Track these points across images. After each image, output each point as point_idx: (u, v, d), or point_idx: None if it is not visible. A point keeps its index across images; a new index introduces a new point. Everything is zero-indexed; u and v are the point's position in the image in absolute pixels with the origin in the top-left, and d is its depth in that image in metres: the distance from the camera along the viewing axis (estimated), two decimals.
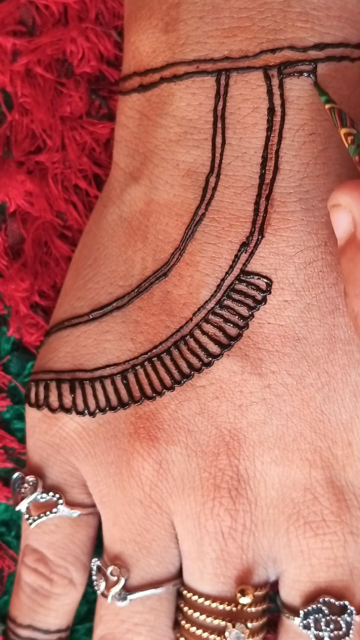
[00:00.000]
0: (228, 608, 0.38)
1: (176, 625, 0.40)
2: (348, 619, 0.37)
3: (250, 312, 0.37)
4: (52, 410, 0.40)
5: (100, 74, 0.45)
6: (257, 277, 0.36)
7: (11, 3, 0.45)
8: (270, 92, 0.36)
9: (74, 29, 0.44)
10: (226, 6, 0.36)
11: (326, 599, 0.37)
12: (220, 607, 0.38)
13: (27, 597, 0.41)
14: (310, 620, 0.37)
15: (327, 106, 0.35)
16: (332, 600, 0.37)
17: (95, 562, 0.41)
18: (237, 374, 0.37)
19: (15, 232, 0.45)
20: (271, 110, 0.36)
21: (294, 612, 0.38)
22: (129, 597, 0.39)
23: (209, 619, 0.38)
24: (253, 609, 0.38)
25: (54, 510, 0.40)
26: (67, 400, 0.39)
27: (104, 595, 0.40)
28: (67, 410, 0.39)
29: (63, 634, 0.42)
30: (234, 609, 0.38)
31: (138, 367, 0.38)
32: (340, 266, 0.34)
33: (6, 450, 0.45)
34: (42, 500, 0.40)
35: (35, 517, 0.40)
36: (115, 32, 0.45)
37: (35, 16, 0.45)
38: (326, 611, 0.37)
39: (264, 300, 0.36)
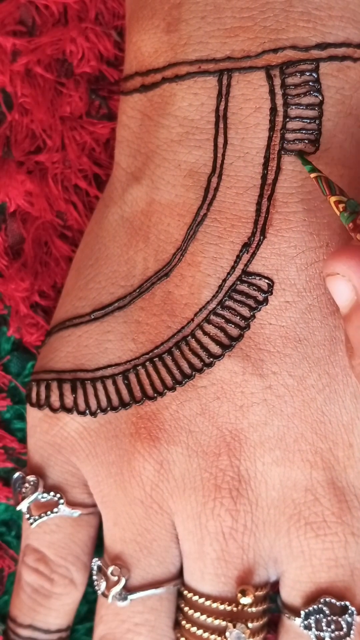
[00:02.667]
0: (229, 608, 0.38)
1: (177, 625, 0.40)
2: (349, 619, 0.37)
3: (251, 313, 0.37)
4: (54, 410, 0.40)
5: (100, 74, 0.45)
6: (258, 277, 0.36)
7: (11, 3, 0.45)
8: (272, 92, 0.36)
9: (73, 29, 0.44)
10: (228, 6, 0.36)
11: (327, 599, 0.37)
12: (221, 607, 0.38)
13: (28, 597, 0.41)
14: (311, 620, 0.37)
15: (312, 175, 0.35)
16: (333, 600, 0.37)
17: (96, 562, 0.41)
18: (238, 375, 0.37)
19: (15, 232, 0.45)
20: (273, 110, 0.36)
21: (295, 612, 0.38)
22: (130, 597, 0.39)
23: (209, 619, 0.38)
24: (254, 609, 0.38)
25: (55, 510, 0.40)
26: (69, 400, 0.39)
27: (105, 595, 0.40)
28: (69, 410, 0.39)
29: (63, 633, 0.42)
30: (235, 609, 0.38)
31: (139, 367, 0.38)
32: (347, 334, 0.34)
33: (6, 450, 0.45)
34: (43, 500, 0.40)
35: (36, 517, 0.40)
36: (115, 32, 0.44)
37: (35, 16, 0.45)
38: (327, 611, 0.37)
39: (266, 301, 0.36)
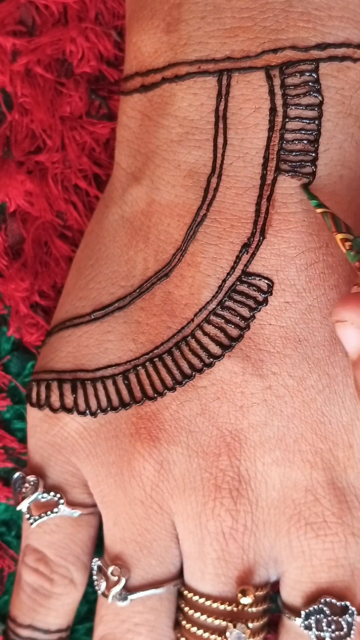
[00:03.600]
0: (229, 608, 0.38)
1: (177, 625, 0.40)
2: (349, 619, 0.37)
3: (251, 313, 0.37)
4: (54, 410, 0.40)
5: (100, 74, 0.45)
6: (258, 278, 0.36)
7: (11, 3, 0.45)
8: (272, 92, 0.36)
9: (73, 29, 0.44)
10: (228, 6, 0.36)
11: (327, 599, 0.37)
12: (221, 607, 0.38)
13: (28, 597, 0.41)
14: (312, 620, 0.37)
15: (318, 210, 0.35)
16: (334, 600, 0.37)
17: (96, 562, 0.41)
18: (238, 375, 0.37)
19: (15, 232, 0.45)
20: (273, 111, 0.36)
21: (295, 612, 0.38)
22: (130, 597, 0.39)
23: (209, 619, 0.38)
24: (254, 609, 0.38)
25: (55, 510, 0.40)
26: (69, 400, 0.39)
27: (105, 595, 0.40)
28: (69, 410, 0.39)
29: (63, 633, 0.42)
30: (235, 609, 0.38)
31: (139, 367, 0.38)
32: (355, 378, 0.34)
33: (6, 450, 0.45)
34: (43, 500, 0.40)
35: (36, 517, 0.40)
36: (115, 32, 0.44)
37: (35, 16, 0.45)
38: (327, 612, 0.37)
39: (265, 301, 0.36)
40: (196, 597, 0.39)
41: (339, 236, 0.34)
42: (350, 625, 0.37)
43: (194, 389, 0.37)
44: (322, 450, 0.37)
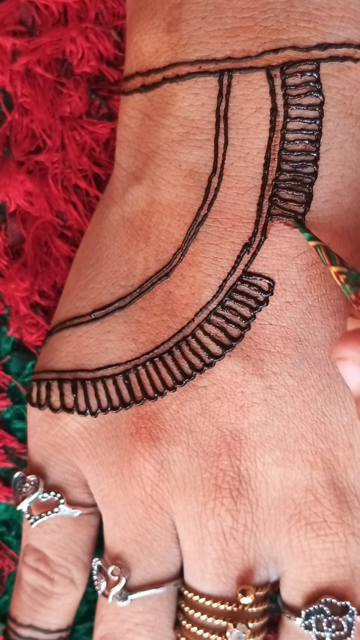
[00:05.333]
0: (229, 608, 0.38)
1: (177, 625, 0.40)
2: (349, 619, 0.37)
3: (252, 313, 0.37)
4: (54, 410, 0.40)
5: (100, 73, 0.45)
6: (259, 278, 0.36)
7: (11, 3, 0.45)
8: (272, 92, 0.36)
9: (73, 29, 0.44)
10: (229, 6, 0.36)
11: (328, 599, 0.37)
12: (222, 607, 0.38)
13: (28, 597, 0.41)
14: (312, 620, 0.37)
15: (311, 244, 0.35)
16: (334, 600, 0.37)
17: (96, 562, 0.41)
18: (238, 375, 0.37)
19: (15, 232, 0.45)
20: (274, 111, 0.36)
21: (296, 612, 0.38)
22: (130, 597, 0.39)
23: (210, 619, 0.38)
24: (254, 609, 0.38)
25: (55, 509, 0.40)
26: (69, 400, 0.39)
27: (105, 595, 0.40)
28: (69, 410, 0.39)
29: (63, 633, 0.42)
30: (235, 609, 0.38)
31: (140, 367, 0.38)
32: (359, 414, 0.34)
33: (6, 450, 0.45)
34: (43, 499, 0.40)
35: (37, 517, 0.40)
36: (115, 32, 0.45)
37: (35, 16, 0.45)
38: (328, 611, 0.37)
39: (266, 301, 0.36)
40: (196, 597, 0.39)
41: (334, 269, 0.34)
42: (350, 625, 0.37)
43: (194, 389, 0.37)
44: (323, 450, 0.37)
